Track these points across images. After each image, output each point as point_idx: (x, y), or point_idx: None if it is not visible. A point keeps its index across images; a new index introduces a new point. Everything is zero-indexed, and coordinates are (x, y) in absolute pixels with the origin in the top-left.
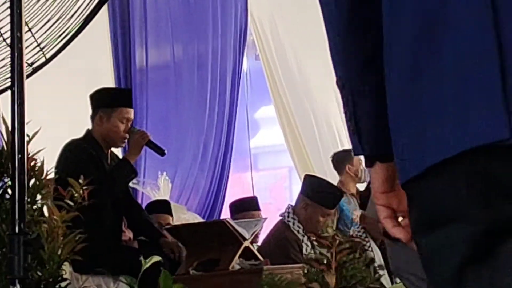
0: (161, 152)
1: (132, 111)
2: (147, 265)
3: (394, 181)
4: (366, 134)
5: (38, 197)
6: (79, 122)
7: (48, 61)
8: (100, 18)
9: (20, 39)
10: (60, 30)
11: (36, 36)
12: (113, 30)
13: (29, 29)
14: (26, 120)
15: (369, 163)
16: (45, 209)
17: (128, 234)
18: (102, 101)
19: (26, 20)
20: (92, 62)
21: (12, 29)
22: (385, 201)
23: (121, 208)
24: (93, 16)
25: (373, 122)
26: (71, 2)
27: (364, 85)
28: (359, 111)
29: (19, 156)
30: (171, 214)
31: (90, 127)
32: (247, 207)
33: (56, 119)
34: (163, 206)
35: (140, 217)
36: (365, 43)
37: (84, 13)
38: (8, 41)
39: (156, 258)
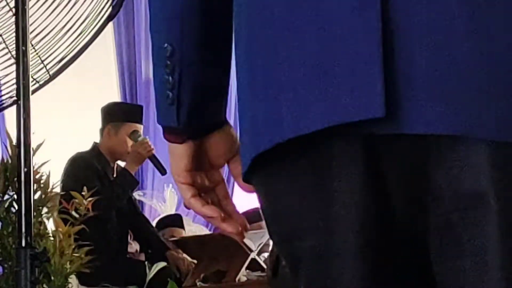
0: (162, 170)
1: (141, 127)
2: (153, 273)
3: (203, 158)
4: (187, 106)
5: (44, 210)
6: (85, 135)
7: (52, 78)
8: (105, 30)
9: (25, 52)
10: (65, 48)
11: (40, 54)
12: (118, 42)
13: (33, 47)
14: (31, 133)
15: (178, 139)
16: (51, 222)
17: (134, 246)
18: (112, 115)
19: (30, 38)
20: (97, 74)
21: (17, 43)
22: (190, 179)
23: (127, 221)
24: (98, 33)
25: (198, 95)
26: (76, 20)
27: (200, 57)
28: (186, 82)
29: (25, 169)
30: (183, 228)
31: (96, 139)
32: (253, 219)
33: (61, 132)
34: (175, 220)
35: (146, 229)
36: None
37: (90, 31)
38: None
39: (162, 264)
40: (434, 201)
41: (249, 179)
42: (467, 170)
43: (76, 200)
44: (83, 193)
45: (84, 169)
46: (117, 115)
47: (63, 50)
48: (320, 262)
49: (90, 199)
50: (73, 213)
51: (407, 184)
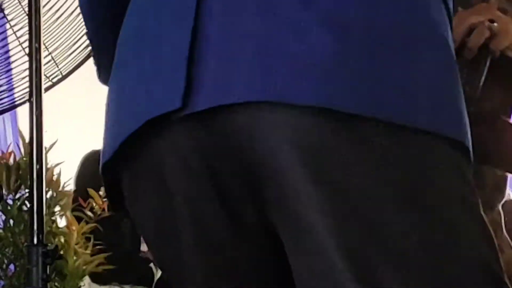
0: None
1: None
2: (160, 274)
3: None
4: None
5: (57, 208)
6: (98, 133)
7: (64, 77)
8: None
9: (38, 50)
10: (77, 48)
11: (53, 54)
12: None
13: (46, 47)
14: (44, 131)
15: None
16: (63, 220)
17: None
18: None
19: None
20: None
21: (30, 40)
22: None
23: None
24: None
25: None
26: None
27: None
28: (101, 63)
29: (37, 166)
30: None
31: None
32: None
33: (75, 131)
34: None
35: None
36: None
37: None
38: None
39: None
40: (257, 181)
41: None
42: (274, 143)
43: (92, 200)
44: (100, 192)
45: (98, 167)
46: None
47: (76, 49)
48: (169, 273)
49: (106, 199)
50: (88, 212)
51: (233, 166)
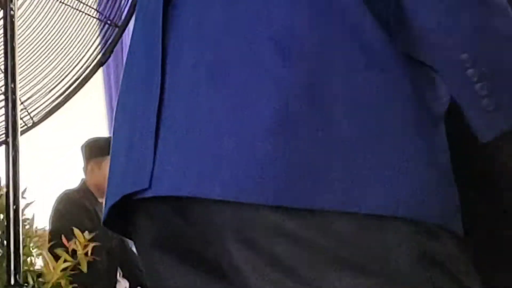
0: None
1: None
2: None
3: None
4: None
5: (34, 249)
6: (74, 172)
7: (35, 124)
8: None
9: (14, 90)
10: (49, 96)
11: (23, 99)
12: (107, 78)
13: (20, 100)
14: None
15: None
16: (39, 260)
17: (123, 283)
18: (93, 151)
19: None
20: (86, 111)
21: (6, 79)
22: None
23: (116, 258)
24: (87, 79)
25: None
26: (61, 69)
27: None
28: None
29: (14, 207)
30: None
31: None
32: None
33: (51, 169)
34: None
35: (135, 266)
36: None
37: (76, 81)
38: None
39: None
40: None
41: None
42: (207, 233)
43: (76, 240)
44: (85, 234)
45: (74, 207)
46: (98, 150)
47: (50, 98)
48: None
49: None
50: (68, 253)
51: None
